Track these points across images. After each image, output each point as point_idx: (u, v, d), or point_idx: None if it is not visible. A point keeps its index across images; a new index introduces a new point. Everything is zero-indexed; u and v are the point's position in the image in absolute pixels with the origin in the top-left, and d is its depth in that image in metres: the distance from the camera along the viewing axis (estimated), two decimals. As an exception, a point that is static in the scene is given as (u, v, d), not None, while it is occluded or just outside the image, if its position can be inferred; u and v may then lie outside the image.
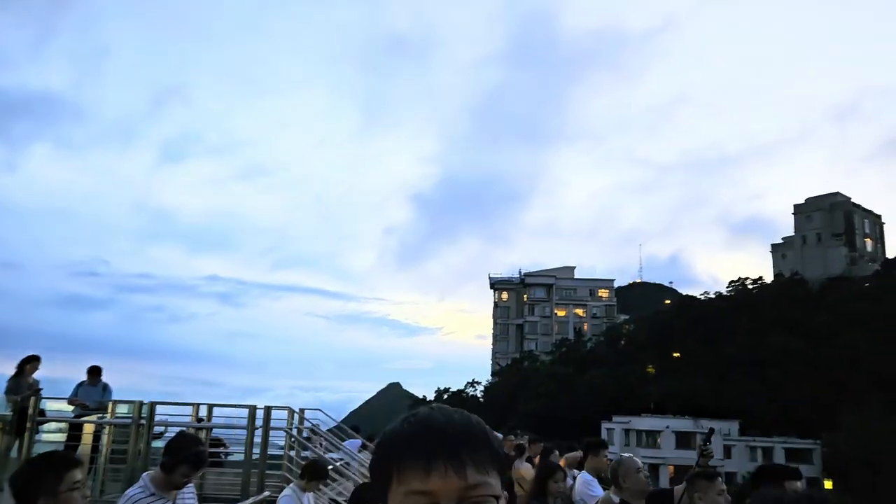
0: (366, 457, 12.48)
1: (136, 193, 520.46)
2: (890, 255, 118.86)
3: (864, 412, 72.08)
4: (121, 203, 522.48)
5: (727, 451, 77.11)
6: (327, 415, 12.84)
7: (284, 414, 10.42)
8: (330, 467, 9.65)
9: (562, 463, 9.28)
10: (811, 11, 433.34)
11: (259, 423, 9.20)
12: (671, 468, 76.03)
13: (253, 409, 8.87)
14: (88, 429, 9.83)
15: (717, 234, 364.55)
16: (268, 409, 8.91)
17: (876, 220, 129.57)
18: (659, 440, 75.99)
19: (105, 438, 9.97)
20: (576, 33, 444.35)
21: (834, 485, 73.22)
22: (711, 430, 4.90)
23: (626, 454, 4.90)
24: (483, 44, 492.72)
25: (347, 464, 11.25)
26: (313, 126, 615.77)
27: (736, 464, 75.81)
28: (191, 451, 4.01)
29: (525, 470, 9.81)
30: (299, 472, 9.93)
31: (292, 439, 10.00)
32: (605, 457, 7.16)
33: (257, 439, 9.45)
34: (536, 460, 11.31)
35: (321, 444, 15.41)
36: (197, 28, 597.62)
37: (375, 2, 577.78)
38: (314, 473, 6.58)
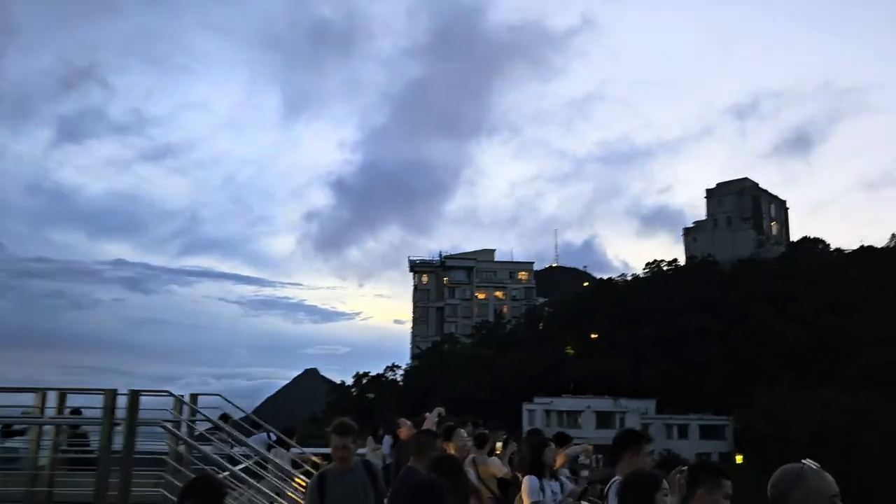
0: (276, 455, 9.82)
1: (32, 173, 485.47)
2: (793, 238, 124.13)
3: (774, 388, 74.44)
4: (14, 183, 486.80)
5: (645, 430, 78.16)
6: (230, 401, 9.97)
7: (169, 402, 7.71)
8: (225, 474, 7.09)
9: (560, 459, 7.11)
10: (713, 20, 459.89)
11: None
12: (591, 448, 76.32)
13: (111, 394, 6.21)
14: None
15: (628, 224, 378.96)
16: (134, 394, 6.27)
17: (781, 205, 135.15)
18: (580, 420, 76.13)
19: None
20: (498, 29, 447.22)
21: (745, 459, 75.40)
22: None
23: (810, 462, 2.64)
24: (406, 36, 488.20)
25: (259, 464, 8.70)
26: (228, 108, 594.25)
27: (653, 442, 76.91)
28: None
29: (495, 466, 7.58)
30: (188, 474, 7.33)
31: (179, 433, 7.36)
32: (650, 454, 5.03)
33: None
34: (498, 452, 9.06)
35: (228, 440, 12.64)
36: (107, 1, 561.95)
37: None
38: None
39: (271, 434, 11.97)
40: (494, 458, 8.05)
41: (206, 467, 6.87)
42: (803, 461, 2.67)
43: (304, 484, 8.14)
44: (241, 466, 7.39)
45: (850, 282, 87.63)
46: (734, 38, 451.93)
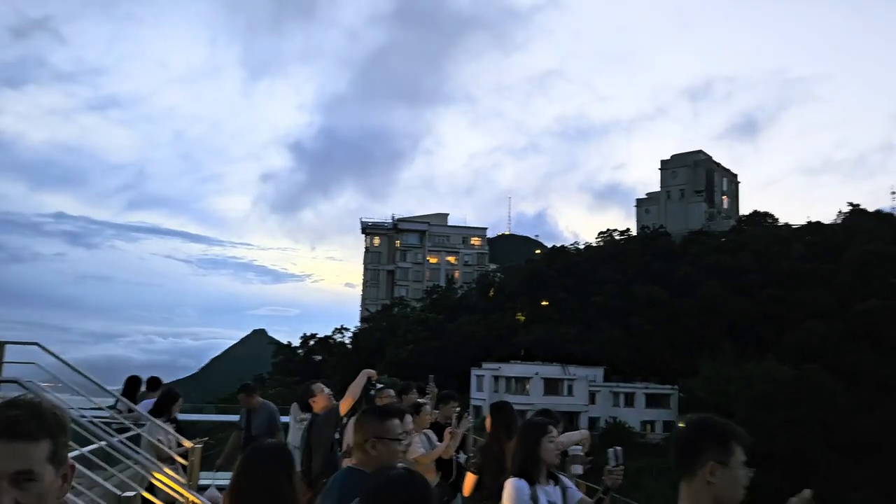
0: (151, 432, 7.61)
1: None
2: (743, 212, 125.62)
3: (718, 359, 75.39)
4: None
5: (592, 397, 78.41)
6: (48, 350, 7.26)
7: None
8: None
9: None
10: (672, 4, 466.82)
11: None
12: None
13: None
14: None
15: (581, 199, 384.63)
16: None
17: (732, 179, 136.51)
18: (528, 387, 75.76)
19: None
20: (461, 1, 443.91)
21: (688, 428, 76.50)
22: None
23: None
24: (369, 3, 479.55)
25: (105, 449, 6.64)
26: (184, 63, 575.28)
27: (600, 409, 77.29)
28: None
29: (412, 450, 5.69)
30: None
31: None
32: (743, 464, 2.43)
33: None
34: (450, 431, 7.22)
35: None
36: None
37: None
38: None
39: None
40: (414, 438, 6.23)
41: None
42: None
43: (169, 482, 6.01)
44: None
45: (797, 256, 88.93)
46: (691, 23, 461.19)
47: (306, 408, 6.85)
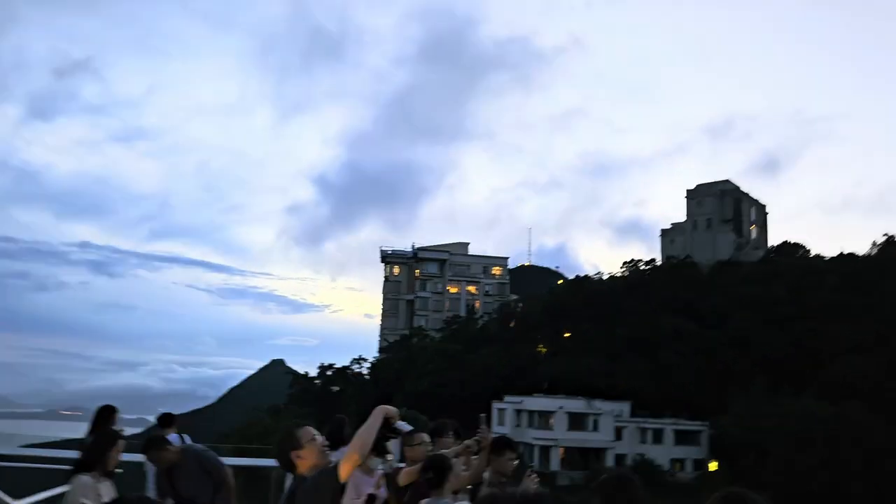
0: (79, 491, 5.53)
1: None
2: (771, 243, 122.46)
3: (750, 394, 72.08)
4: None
5: (618, 433, 75.32)
6: None
7: None
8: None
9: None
10: (693, 45, 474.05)
11: None
12: (562, 450, 73.37)
13: None
14: None
15: (602, 234, 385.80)
16: None
17: (761, 209, 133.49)
18: (551, 421, 72.93)
19: None
20: (485, 43, 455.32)
21: (720, 466, 72.95)
22: None
23: None
24: (395, 45, 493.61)
25: None
26: (208, 95, 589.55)
27: (627, 445, 74.14)
28: None
29: None
30: None
31: None
32: None
33: None
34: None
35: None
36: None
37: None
38: None
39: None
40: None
41: None
42: None
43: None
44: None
45: (831, 288, 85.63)
46: (711, 62, 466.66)
47: (287, 465, 4.27)
